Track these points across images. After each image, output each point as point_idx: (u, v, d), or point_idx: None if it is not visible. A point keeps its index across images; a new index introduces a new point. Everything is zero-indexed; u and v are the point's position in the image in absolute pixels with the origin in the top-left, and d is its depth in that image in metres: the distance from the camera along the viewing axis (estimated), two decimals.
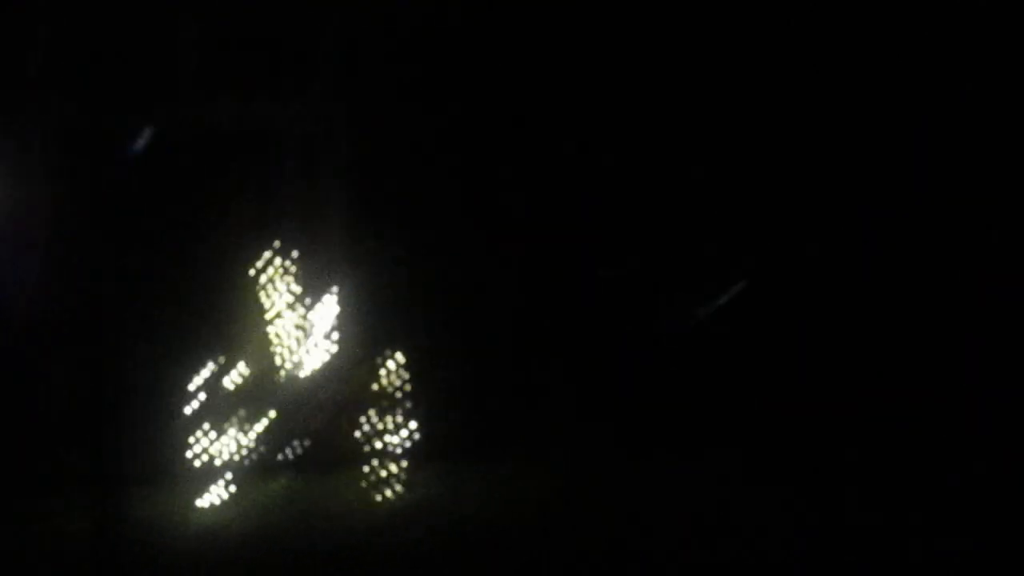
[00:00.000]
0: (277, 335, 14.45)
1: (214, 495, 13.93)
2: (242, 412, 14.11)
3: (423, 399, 14.74)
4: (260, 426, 14.16)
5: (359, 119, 15.60)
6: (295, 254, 14.77)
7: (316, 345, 14.61)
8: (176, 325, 14.71)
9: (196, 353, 14.22)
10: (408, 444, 14.42)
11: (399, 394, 14.60)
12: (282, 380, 14.51)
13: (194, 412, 13.95)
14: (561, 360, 15.22)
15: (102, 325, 14.32)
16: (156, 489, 13.81)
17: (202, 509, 13.79)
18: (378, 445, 14.40)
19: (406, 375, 14.54)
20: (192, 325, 14.68)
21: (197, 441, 13.84)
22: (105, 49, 14.70)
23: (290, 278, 14.37)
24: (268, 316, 14.40)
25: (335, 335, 14.63)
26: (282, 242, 14.78)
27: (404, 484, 14.37)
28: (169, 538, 12.80)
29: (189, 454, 13.87)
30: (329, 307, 14.68)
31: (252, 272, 14.43)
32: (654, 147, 15.60)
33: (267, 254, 14.37)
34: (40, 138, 15.07)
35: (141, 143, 14.96)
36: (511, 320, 15.29)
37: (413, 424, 14.46)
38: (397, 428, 14.53)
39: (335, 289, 14.70)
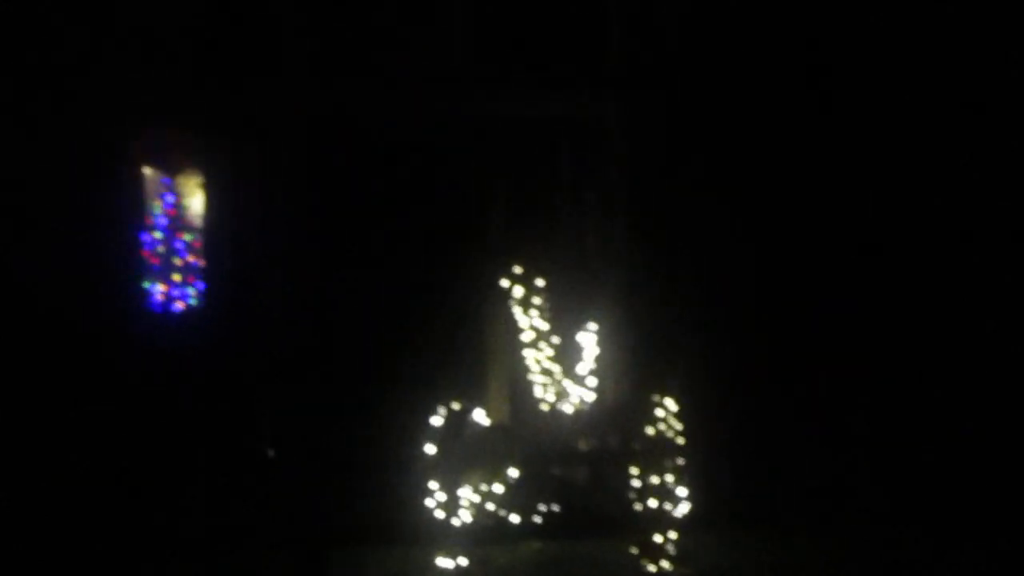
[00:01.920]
0: (530, 375, 12.35)
1: (457, 558, 11.79)
2: (488, 465, 11.98)
3: (697, 456, 12.44)
4: (508, 481, 11.99)
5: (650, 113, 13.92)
6: (555, 276, 12.67)
7: (575, 389, 12.47)
8: (417, 363, 12.81)
9: (437, 396, 12.11)
10: (678, 508, 12.12)
11: (670, 450, 12.32)
12: (534, 429, 12.36)
13: (434, 463, 11.83)
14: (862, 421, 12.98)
15: (334, 365, 12.70)
16: (394, 548, 12.43)
17: (442, 572, 11.53)
18: (643, 508, 12.11)
19: (679, 427, 12.30)
20: (434, 362, 12.74)
21: (437, 496, 11.71)
22: (374, 36, 14.07)
23: (545, 305, 12.22)
24: (521, 353, 12.30)
25: (598, 377, 12.46)
26: (545, 261, 12.73)
27: (671, 556, 12.04)
28: None
29: (429, 510, 11.70)
30: (591, 344, 12.52)
31: (503, 300, 12.30)
32: None
33: (524, 274, 12.20)
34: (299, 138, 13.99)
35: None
36: (809, 369, 13.06)
37: (684, 485, 12.16)
38: (666, 489, 12.24)
39: (599, 321, 12.55)
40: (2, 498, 12.55)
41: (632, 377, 12.96)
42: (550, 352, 12.35)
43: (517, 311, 12.17)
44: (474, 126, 13.94)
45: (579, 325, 12.63)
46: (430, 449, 12.00)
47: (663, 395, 12.51)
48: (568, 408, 12.53)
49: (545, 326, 12.30)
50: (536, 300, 12.28)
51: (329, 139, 14.17)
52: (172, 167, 14.82)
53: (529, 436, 12.37)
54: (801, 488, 13.08)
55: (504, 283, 12.17)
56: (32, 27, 13.64)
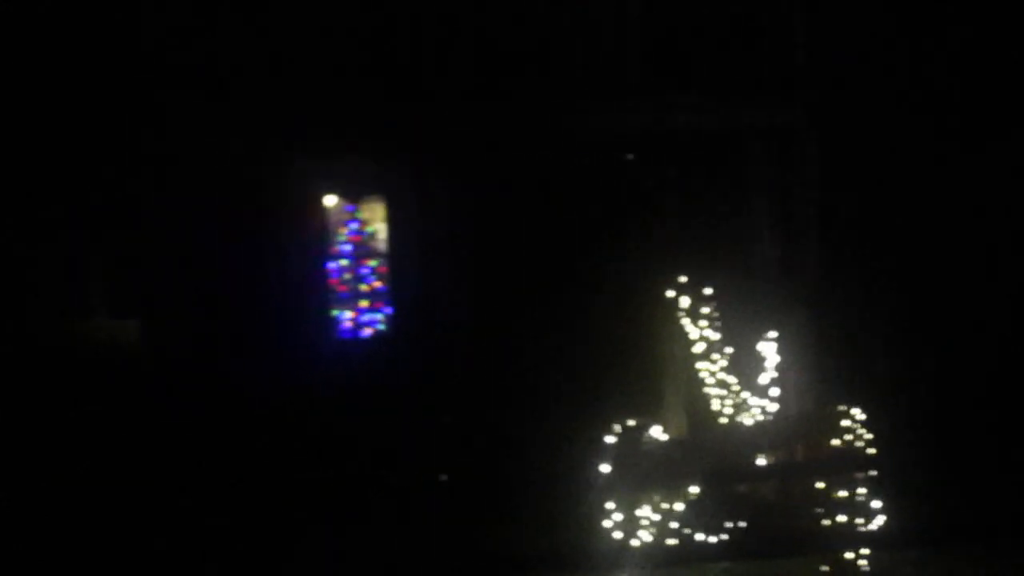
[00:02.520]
0: (708, 386, 11.88)
1: None
2: (667, 483, 11.53)
3: (891, 467, 11.79)
4: (689, 499, 11.55)
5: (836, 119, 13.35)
6: (728, 284, 12.19)
7: (755, 401, 11.95)
8: (590, 381, 12.48)
9: (611, 414, 11.73)
10: (871, 522, 11.49)
11: (859, 461, 11.70)
12: (714, 443, 11.87)
13: (611, 483, 11.45)
14: None
15: (511, 387, 12.51)
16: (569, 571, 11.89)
17: None
18: (832, 523, 11.50)
19: (868, 437, 11.67)
20: (607, 379, 12.38)
21: (615, 517, 11.32)
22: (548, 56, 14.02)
23: (714, 315, 11.75)
24: (698, 363, 11.84)
25: (779, 388, 11.91)
26: (717, 270, 12.28)
27: (864, 574, 11.43)
28: None
29: (607, 530, 11.34)
30: (771, 353, 11.99)
31: (671, 312, 11.86)
32: None
33: (690, 284, 11.76)
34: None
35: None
36: (1010, 376, 12.32)
37: (877, 498, 11.53)
38: (857, 503, 11.63)
39: (780, 330, 12.01)
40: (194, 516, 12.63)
41: (816, 386, 12.30)
42: (724, 363, 11.85)
43: (686, 322, 11.72)
44: (649, 138, 13.58)
45: (757, 334, 12.10)
46: (605, 468, 11.61)
47: (850, 404, 11.89)
48: (748, 421, 12.02)
49: (716, 336, 11.82)
50: (704, 310, 11.80)
51: (506, 160, 13.99)
52: (355, 194, 14.81)
53: (709, 451, 11.88)
54: (1008, 501, 12.22)
55: (670, 293, 11.73)
56: (219, 61, 13.76)
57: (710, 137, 13.32)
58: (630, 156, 13.48)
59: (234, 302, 13.89)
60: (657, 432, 11.91)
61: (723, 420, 12.00)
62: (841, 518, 11.61)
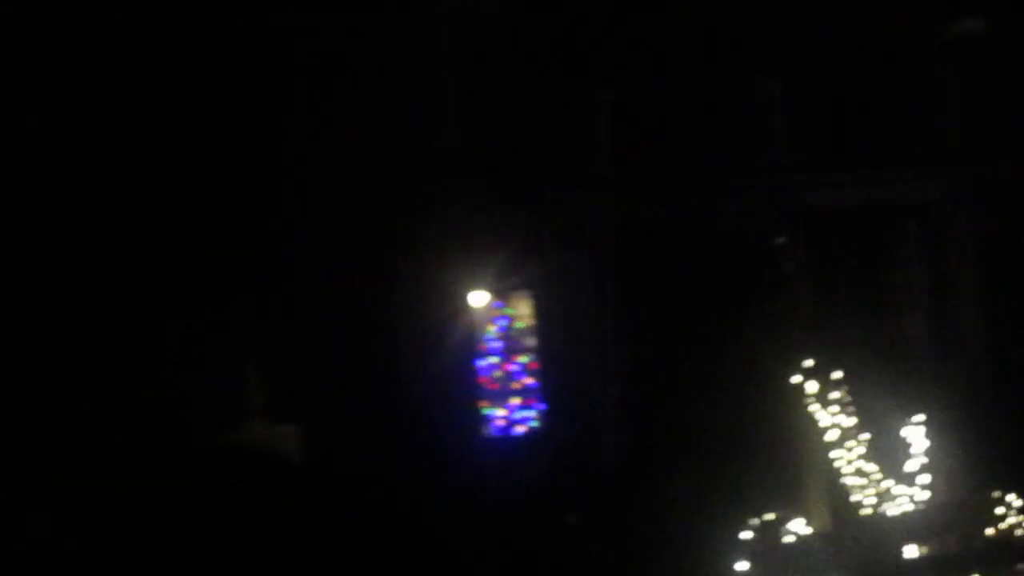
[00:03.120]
0: (847, 475, 11.27)
1: None
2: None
3: None
4: None
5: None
6: (867, 367, 11.59)
7: (900, 489, 11.29)
8: (728, 471, 11.98)
9: (748, 507, 11.22)
10: None
11: (1018, 551, 10.93)
12: (859, 536, 11.25)
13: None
14: None
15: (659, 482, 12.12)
16: None
17: None
18: None
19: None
20: (746, 469, 11.87)
21: None
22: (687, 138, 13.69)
23: (846, 399, 11.14)
24: (833, 452, 11.25)
25: (928, 474, 11.25)
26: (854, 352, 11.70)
27: None
28: None
29: None
30: (917, 438, 11.33)
31: (799, 398, 11.31)
32: None
33: (817, 368, 11.20)
34: None
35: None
36: None
37: None
38: None
39: (927, 413, 11.36)
40: None
41: (970, 472, 11.56)
42: (861, 450, 11.22)
43: (814, 408, 11.14)
44: (796, 217, 13.13)
45: (900, 419, 11.46)
46: (742, 567, 11.09)
47: (1007, 490, 11.16)
48: (894, 511, 11.35)
49: (850, 422, 11.20)
50: (834, 395, 11.20)
51: (646, 245, 13.69)
52: (502, 289, 14.64)
53: (854, 546, 11.25)
54: None
55: (796, 379, 11.18)
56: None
57: (860, 213, 12.73)
58: (781, 239, 12.95)
59: (386, 404, 13.76)
60: (799, 526, 11.31)
61: (866, 511, 11.32)
62: None
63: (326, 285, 13.80)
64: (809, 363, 11.12)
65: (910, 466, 11.43)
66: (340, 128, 13.86)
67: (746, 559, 11.05)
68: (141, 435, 13.28)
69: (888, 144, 13.41)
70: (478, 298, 14.38)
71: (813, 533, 11.38)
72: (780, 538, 11.18)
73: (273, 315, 13.97)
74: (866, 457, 11.25)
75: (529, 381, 14.52)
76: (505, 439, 14.36)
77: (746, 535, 11.15)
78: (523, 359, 14.54)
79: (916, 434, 11.46)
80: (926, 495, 11.37)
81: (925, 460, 11.41)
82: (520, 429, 14.40)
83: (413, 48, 14.00)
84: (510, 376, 14.52)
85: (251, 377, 13.91)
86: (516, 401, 14.48)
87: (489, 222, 13.89)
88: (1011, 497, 11.23)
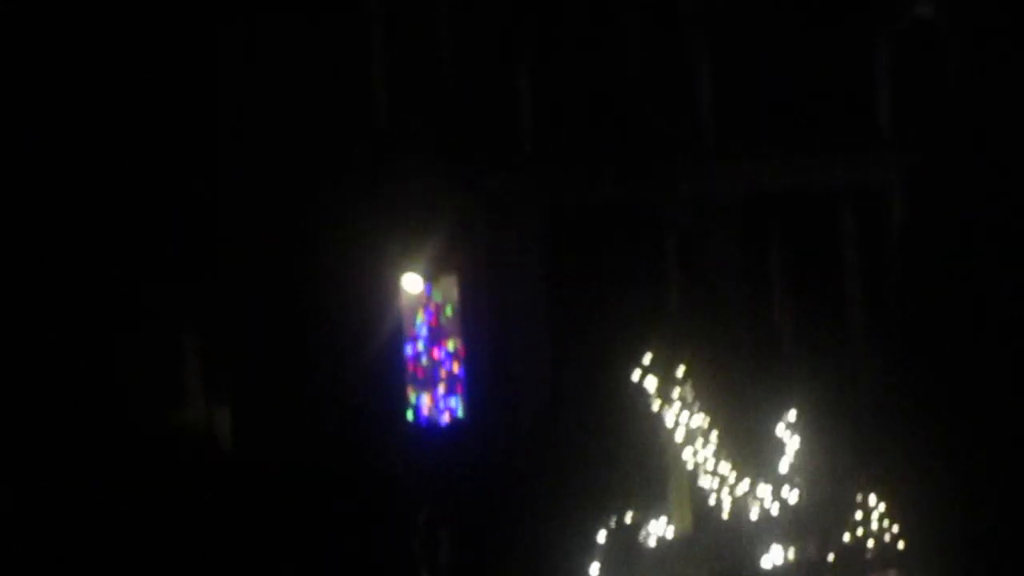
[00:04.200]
0: (703, 476, 10.91)
1: None
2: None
3: (923, 565, 10.55)
4: None
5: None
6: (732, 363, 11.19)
7: (764, 491, 10.91)
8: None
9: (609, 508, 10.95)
10: None
11: (885, 559, 10.52)
12: (719, 540, 10.89)
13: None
14: None
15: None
16: None
17: None
18: None
19: (894, 531, 10.48)
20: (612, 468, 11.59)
21: None
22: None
23: (691, 397, 10.75)
24: (684, 452, 10.90)
25: (791, 477, 10.86)
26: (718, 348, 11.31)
27: None
28: None
29: None
30: (783, 439, 10.94)
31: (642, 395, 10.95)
32: None
33: (657, 364, 10.82)
34: None
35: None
36: None
37: None
38: None
39: (797, 412, 10.94)
40: None
41: (833, 474, 11.10)
42: (712, 450, 10.83)
43: (656, 406, 10.76)
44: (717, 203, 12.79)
45: (763, 417, 11.05)
46: (594, 571, 10.82)
47: (868, 493, 10.72)
48: (755, 515, 10.96)
49: (699, 420, 10.80)
50: (677, 392, 10.79)
51: (574, 230, 13.45)
52: (431, 273, 14.47)
53: (711, 547, 10.89)
54: None
55: (635, 376, 10.80)
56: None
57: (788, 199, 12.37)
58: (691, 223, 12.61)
59: (313, 388, 13.70)
60: (659, 527, 10.99)
61: (724, 515, 10.95)
62: None
63: (259, 268, 13.78)
64: (647, 358, 10.71)
65: (772, 467, 10.97)
66: (270, 111, 13.80)
67: (599, 561, 10.73)
68: (76, 418, 13.43)
69: (817, 129, 12.96)
70: (407, 282, 14.23)
71: (671, 535, 10.99)
72: (635, 540, 10.82)
73: (207, 299, 13.99)
74: (719, 457, 10.82)
75: (457, 368, 14.34)
76: (430, 428, 14.22)
77: (601, 537, 10.81)
78: (451, 345, 14.36)
79: (781, 433, 10.99)
80: (789, 496, 10.89)
81: (790, 460, 10.95)
82: (445, 418, 14.24)
83: (343, 31, 13.87)
84: (437, 363, 14.35)
85: (188, 360, 13.94)
86: (443, 389, 14.31)
87: (418, 204, 13.73)
88: (872, 500, 10.71)
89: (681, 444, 10.90)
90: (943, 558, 10.86)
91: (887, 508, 10.72)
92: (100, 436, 13.67)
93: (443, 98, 14.05)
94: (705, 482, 11.00)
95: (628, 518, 11.02)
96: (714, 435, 10.85)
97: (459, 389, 14.37)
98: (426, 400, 14.35)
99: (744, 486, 10.98)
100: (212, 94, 13.99)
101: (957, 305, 11.88)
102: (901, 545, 10.77)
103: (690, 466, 10.94)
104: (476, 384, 14.24)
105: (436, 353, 14.38)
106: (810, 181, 12.95)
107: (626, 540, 10.90)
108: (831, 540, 10.73)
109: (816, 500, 11.03)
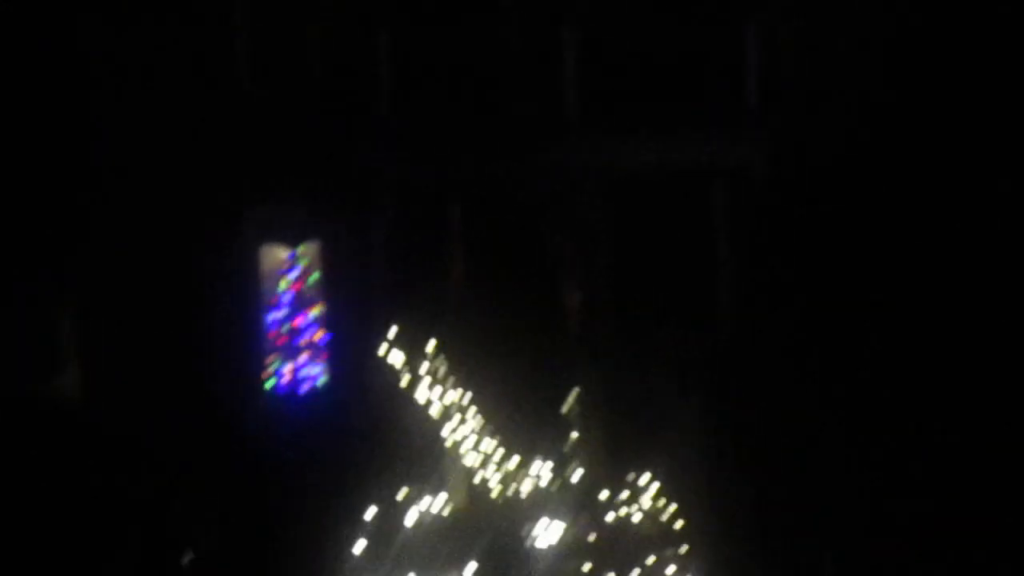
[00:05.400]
0: (465, 453, 10.48)
1: None
2: (438, 565, 10.21)
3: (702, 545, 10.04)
4: None
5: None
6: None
7: (536, 469, 10.46)
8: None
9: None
10: None
11: (662, 538, 10.03)
12: (490, 517, 10.47)
13: (364, 567, 10.28)
14: None
15: None
16: None
17: None
18: None
19: (672, 510, 10.00)
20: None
21: None
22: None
23: (440, 370, 10.29)
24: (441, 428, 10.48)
25: (560, 455, 10.40)
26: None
27: None
28: None
29: None
30: (554, 411, 10.47)
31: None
32: None
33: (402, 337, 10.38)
34: None
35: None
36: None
37: None
38: None
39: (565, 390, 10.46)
40: None
41: (609, 452, 10.57)
42: (473, 427, 10.37)
43: (406, 381, 10.31)
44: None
45: (536, 394, 10.57)
46: (358, 548, 10.47)
47: (641, 473, 10.22)
48: (525, 493, 10.50)
49: (455, 397, 10.33)
50: (424, 367, 10.34)
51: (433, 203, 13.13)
52: (294, 240, 14.21)
53: (484, 526, 10.46)
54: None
55: (381, 351, 10.36)
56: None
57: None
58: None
59: (165, 353, 13.54)
60: (433, 506, 10.59)
61: (494, 492, 10.50)
62: None
63: (123, 235, 13.63)
64: (392, 331, 10.26)
65: (549, 445, 10.48)
66: (134, 72, 13.66)
67: (364, 539, 10.36)
68: None
69: (683, 105, 12.45)
70: (270, 249, 13.99)
71: (439, 514, 10.57)
72: (402, 519, 10.42)
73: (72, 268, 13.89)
74: (482, 435, 10.33)
75: (319, 336, 14.07)
76: (290, 396, 13.97)
77: (369, 514, 10.44)
78: (314, 313, 14.08)
79: (555, 411, 10.48)
80: (565, 474, 10.40)
81: (567, 439, 10.44)
82: (306, 386, 13.99)
83: None
84: (299, 331, 14.08)
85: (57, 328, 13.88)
86: (304, 357, 14.04)
87: (281, 170, 13.50)
88: (645, 479, 10.18)
89: (438, 421, 10.44)
90: (725, 537, 10.30)
91: (662, 487, 10.15)
92: None
93: (304, 64, 13.75)
94: (469, 460, 10.52)
95: (399, 495, 10.58)
96: (472, 412, 10.35)
97: (322, 357, 14.06)
98: (288, 368, 14.05)
99: (513, 464, 10.48)
100: (75, 57, 13.83)
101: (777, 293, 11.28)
102: (679, 524, 10.18)
103: (449, 443, 10.47)
104: (338, 353, 13.91)
105: (299, 321, 14.07)
106: (673, 159, 12.35)
107: (393, 518, 10.48)
108: (605, 520, 10.19)
109: (591, 478, 10.51)
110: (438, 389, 10.21)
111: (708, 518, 10.19)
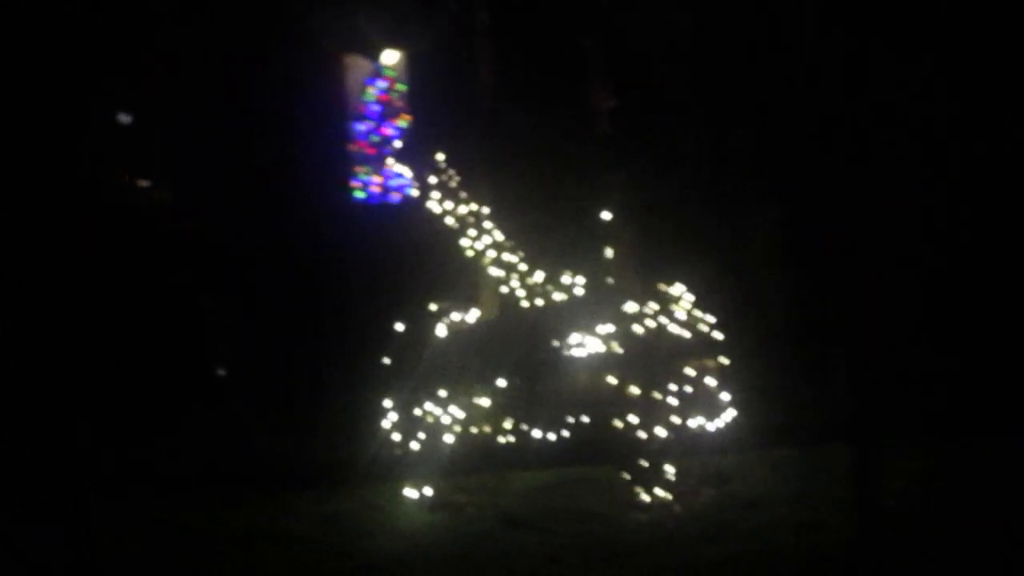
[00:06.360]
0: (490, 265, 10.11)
1: (423, 487, 10.03)
2: (468, 375, 10.00)
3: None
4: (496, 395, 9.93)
5: None
6: None
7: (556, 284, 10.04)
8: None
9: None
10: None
11: (699, 348, 9.65)
12: (519, 329, 10.15)
13: (395, 376, 10.10)
14: None
15: None
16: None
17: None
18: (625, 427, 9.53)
19: (710, 321, 9.58)
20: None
21: (393, 417, 9.95)
22: None
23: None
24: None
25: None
26: None
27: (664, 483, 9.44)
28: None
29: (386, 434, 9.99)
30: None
31: None
32: None
33: None
34: None
35: None
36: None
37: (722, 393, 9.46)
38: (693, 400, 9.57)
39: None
40: None
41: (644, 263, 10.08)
42: (498, 238, 9.97)
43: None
44: None
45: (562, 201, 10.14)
46: (387, 360, 10.28)
47: (672, 284, 9.76)
48: (554, 302, 10.12)
49: (464, 210, 9.94)
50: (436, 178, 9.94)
51: None
52: (377, 50, 13.93)
53: (512, 335, 10.13)
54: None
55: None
56: None
57: None
58: None
59: (252, 171, 13.50)
60: (471, 317, 10.31)
61: (523, 305, 10.13)
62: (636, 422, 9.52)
63: (207, 44, 13.55)
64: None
65: (580, 257, 10.04)
66: None
67: (391, 352, 10.16)
68: None
69: None
70: (354, 58, 13.78)
71: (467, 325, 10.26)
72: (431, 330, 10.16)
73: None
74: (502, 247, 9.93)
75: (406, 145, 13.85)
76: (380, 205, 13.80)
77: (400, 326, 10.22)
78: (402, 123, 13.85)
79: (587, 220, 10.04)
80: (592, 286, 9.98)
81: (595, 248, 10.01)
82: (395, 196, 13.78)
83: None
84: (387, 140, 13.86)
85: None
86: (392, 167, 13.83)
87: None
88: (679, 289, 9.69)
89: (455, 232, 10.08)
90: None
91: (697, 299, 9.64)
92: None
93: None
94: (493, 270, 10.14)
95: (432, 307, 10.30)
96: (488, 224, 9.94)
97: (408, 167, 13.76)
98: (376, 178, 13.83)
99: (539, 276, 10.07)
100: None
101: None
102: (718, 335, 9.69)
103: (469, 254, 10.09)
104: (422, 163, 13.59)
105: (385, 131, 13.80)
106: None
107: (420, 329, 10.22)
108: (632, 329, 9.75)
109: (622, 289, 10.04)
110: (453, 200, 9.82)
111: (744, 328, 9.60)
